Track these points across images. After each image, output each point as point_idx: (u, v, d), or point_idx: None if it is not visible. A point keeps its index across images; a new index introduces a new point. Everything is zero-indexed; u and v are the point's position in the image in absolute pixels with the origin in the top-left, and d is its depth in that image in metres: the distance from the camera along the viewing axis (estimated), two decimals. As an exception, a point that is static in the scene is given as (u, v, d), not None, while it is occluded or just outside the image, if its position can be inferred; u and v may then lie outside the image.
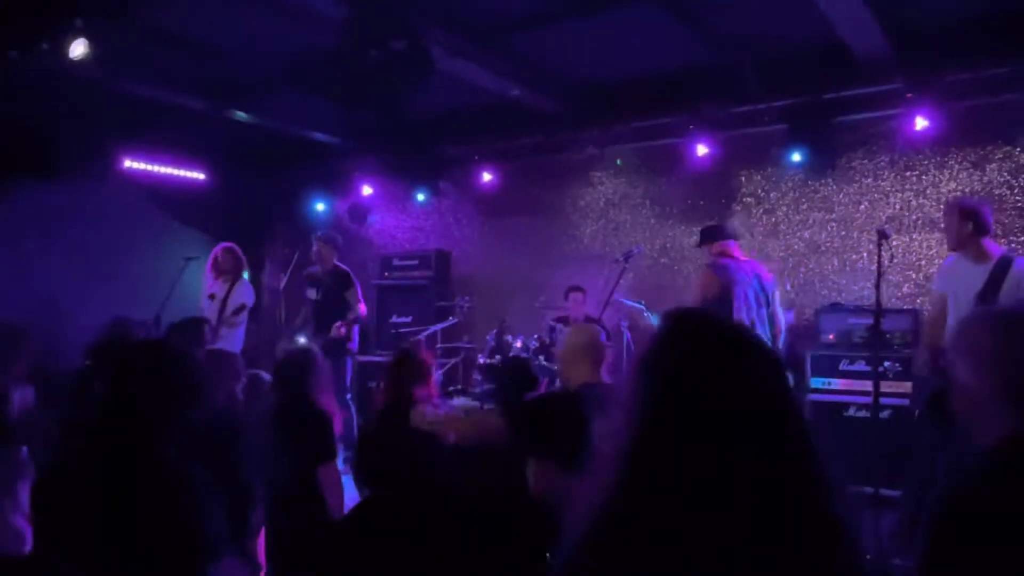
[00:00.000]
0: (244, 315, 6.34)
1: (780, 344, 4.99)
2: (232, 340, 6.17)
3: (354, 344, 6.64)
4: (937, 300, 4.55)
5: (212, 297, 6.48)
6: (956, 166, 6.17)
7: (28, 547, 2.24)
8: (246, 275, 6.93)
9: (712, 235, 5.19)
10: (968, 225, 4.35)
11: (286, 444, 3.65)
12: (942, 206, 6.15)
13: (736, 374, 1.23)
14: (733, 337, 1.29)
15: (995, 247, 4.43)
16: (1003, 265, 4.25)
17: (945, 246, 6.04)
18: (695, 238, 5.62)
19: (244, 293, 6.45)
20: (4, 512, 2.22)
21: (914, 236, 6.27)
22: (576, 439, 1.50)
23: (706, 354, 1.25)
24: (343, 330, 6.33)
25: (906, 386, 5.03)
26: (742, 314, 4.75)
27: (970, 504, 1.43)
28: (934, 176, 6.25)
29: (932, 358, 4.19)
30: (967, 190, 6.10)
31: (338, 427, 3.95)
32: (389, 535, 2.26)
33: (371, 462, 3.49)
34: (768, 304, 4.91)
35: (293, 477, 3.60)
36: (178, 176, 8.77)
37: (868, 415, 4.74)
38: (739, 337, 1.30)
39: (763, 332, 4.80)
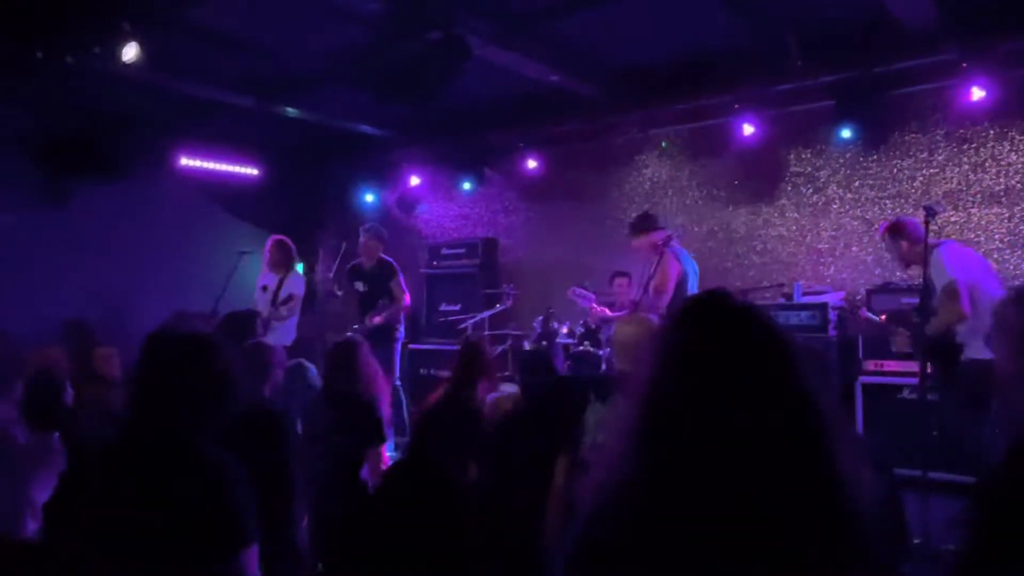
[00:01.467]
0: (294, 306, 6.49)
1: None
2: (283, 331, 6.33)
3: (400, 332, 6.75)
4: None
5: (264, 289, 6.65)
6: (1017, 137, 5.92)
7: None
8: (300, 267, 7.08)
9: (653, 223, 5.35)
10: (902, 244, 4.48)
11: (333, 431, 3.75)
12: (1002, 180, 5.96)
13: (743, 356, 1.22)
14: (742, 319, 1.27)
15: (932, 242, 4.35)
16: (929, 255, 4.27)
17: (1009, 221, 5.87)
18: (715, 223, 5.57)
19: (294, 284, 6.60)
20: (15, 497, 2.32)
21: (972, 212, 6.04)
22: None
23: (711, 336, 1.25)
24: (375, 319, 6.45)
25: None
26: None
27: (1007, 493, 1.40)
28: (993, 148, 6.00)
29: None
30: (1029, 162, 5.85)
31: (385, 412, 4.05)
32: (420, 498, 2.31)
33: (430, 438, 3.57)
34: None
35: (339, 464, 3.71)
36: (233, 172, 9.00)
37: (915, 397, 4.61)
38: (749, 319, 1.28)
39: None
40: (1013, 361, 1.57)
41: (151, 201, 8.08)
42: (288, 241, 6.84)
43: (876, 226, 6.44)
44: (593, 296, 6.39)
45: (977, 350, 4.07)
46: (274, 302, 6.47)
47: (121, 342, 6.14)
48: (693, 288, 5.24)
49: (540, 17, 5.80)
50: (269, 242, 6.85)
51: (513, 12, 5.69)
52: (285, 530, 2.84)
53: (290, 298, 6.41)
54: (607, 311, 6.12)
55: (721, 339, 1.24)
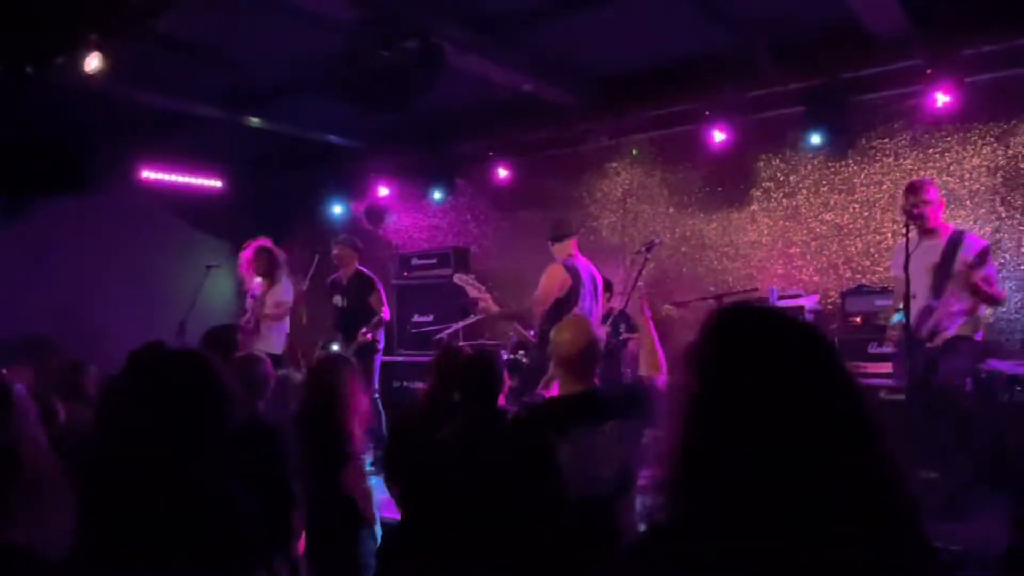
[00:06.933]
0: (283, 313, 6.46)
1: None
2: (275, 339, 6.33)
3: (380, 344, 6.69)
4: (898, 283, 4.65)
5: (254, 299, 6.56)
6: (979, 141, 6.07)
7: None
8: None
9: (565, 232, 5.15)
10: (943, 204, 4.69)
11: (310, 447, 3.65)
12: (966, 183, 6.10)
13: (789, 363, 1.20)
14: (783, 325, 1.27)
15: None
16: (955, 240, 4.58)
17: (974, 223, 5.99)
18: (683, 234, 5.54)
19: (284, 291, 6.55)
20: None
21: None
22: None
23: (756, 344, 1.23)
24: (369, 336, 6.41)
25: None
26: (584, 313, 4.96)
27: None
28: (957, 153, 6.15)
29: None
30: (991, 165, 6.00)
31: (359, 433, 3.88)
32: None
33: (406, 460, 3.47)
34: (597, 301, 5.16)
35: (322, 478, 3.61)
36: (196, 185, 8.82)
37: (902, 398, 4.66)
38: (790, 325, 1.27)
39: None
40: None
41: (113, 215, 7.89)
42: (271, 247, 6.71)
43: (845, 230, 6.57)
44: (482, 287, 5.59)
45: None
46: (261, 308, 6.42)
47: (87, 358, 5.96)
48: (588, 303, 4.98)
49: (515, 25, 5.80)
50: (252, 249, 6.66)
51: (488, 19, 5.68)
52: (284, 545, 2.76)
53: (278, 304, 6.40)
54: (494, 306, 5.36)
55: (764, 344, 1.23)
